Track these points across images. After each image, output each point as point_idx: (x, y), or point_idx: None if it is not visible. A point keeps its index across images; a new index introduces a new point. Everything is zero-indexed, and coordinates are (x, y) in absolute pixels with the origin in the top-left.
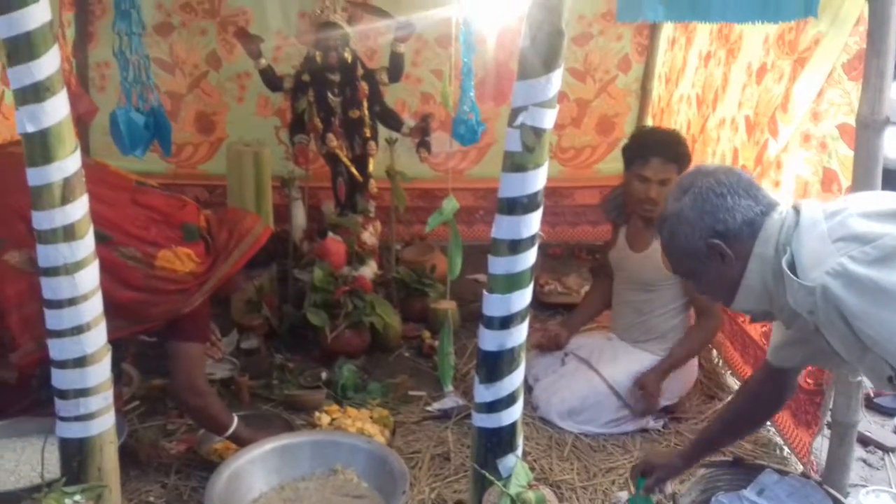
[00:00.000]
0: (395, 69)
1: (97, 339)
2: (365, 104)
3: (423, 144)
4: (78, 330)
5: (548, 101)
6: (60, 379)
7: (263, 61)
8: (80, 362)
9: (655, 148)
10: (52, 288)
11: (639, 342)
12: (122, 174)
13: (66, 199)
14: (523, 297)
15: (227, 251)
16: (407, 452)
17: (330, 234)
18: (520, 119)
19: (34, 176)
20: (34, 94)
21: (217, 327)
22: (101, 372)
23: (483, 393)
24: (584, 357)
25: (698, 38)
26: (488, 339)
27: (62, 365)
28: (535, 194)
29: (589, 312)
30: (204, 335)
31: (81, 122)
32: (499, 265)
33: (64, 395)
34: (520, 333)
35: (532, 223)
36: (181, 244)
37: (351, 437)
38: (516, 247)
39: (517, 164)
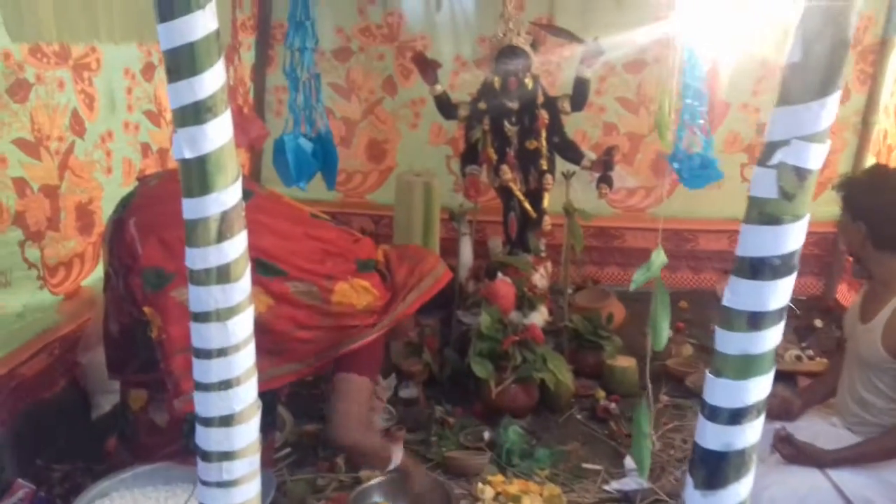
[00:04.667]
0: (580, 96)
1: (246, 395)
2: (543, 134)
3: (605, 179)
4: (226, 384)
5: (818, 133)
6: (205, 438)
7: (439, 87)
8: (227, 421)
9: None
10: (201, 335)
11: (864, 432)
12: (296, 205)
13: (222, 236)
14: (763, 386)
15: (405, 288)
16: None
17: (499, 274)
18: (778, 156)
19: (190, 208)
20: (194, 114)
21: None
22: (248, 433)
23: (698, 501)
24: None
25: None
26: (711, 435)
27: (207, 423)
28: (791, 255)
29: (830, 388)
30: (374, 371)
31: (253, 148)
32: (732, 342)
33: (207, 457)
34: (754, 431)
35: (783, 291)
36: (356, 275)
37: None
38: (759, 321)
39: (769, 214)
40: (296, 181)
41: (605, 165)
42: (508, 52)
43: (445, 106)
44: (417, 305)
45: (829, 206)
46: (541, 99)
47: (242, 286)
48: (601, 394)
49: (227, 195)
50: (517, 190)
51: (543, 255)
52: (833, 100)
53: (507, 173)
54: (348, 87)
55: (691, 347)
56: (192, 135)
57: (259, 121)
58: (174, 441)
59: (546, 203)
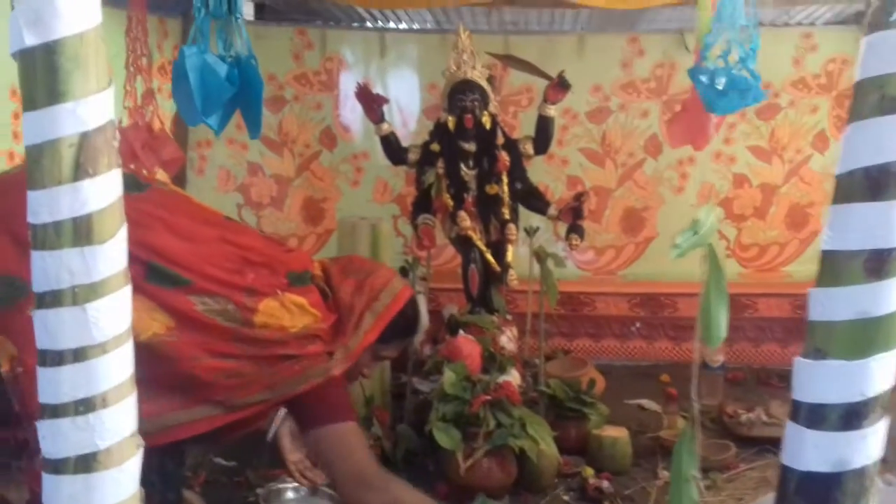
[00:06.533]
0: (544, 137)
1: (118, 424)
2: (505, 179)
3: (576, 229)
4: (87, 405)
5: None
6: (54, 492)
7: (386, 126)
8: (87, 463)
9: None
10: (48, 329)
11: None
12: (208, 207)
13: (82, 171)
14: (889, 367)
15: (355, 310)
16: None
17: (461, 331)
18: None
19: (32, 126)
20: None
21: None
22: (121, 483)
23: None
24: None
25: None
26: (812, 450)
27: (58, 467)
28: None
29: None
30: (351, 409)
31: (167, 172)
32: (841, 302)
33: None
34: (877, 439)
35: None
36: (288, 290)
37: None
38: (884, 264)
39: (894, 97)
40: (202, 115)
41: (574, 213)
42: (463, 86)
43: (393, 148)
44: (378, 332)
45: (815, 265)
46: (500, 140)
47: (113, 252)
48: (589, 471)
49: (90, 109)
50: (477, 239)
51: (510, 317)
52: None
53: (465, 220)
54: (281, 140)
55: (684, 420)
56: (37, 10)
57: (173, 142)
58: None
59: (510, 257)
